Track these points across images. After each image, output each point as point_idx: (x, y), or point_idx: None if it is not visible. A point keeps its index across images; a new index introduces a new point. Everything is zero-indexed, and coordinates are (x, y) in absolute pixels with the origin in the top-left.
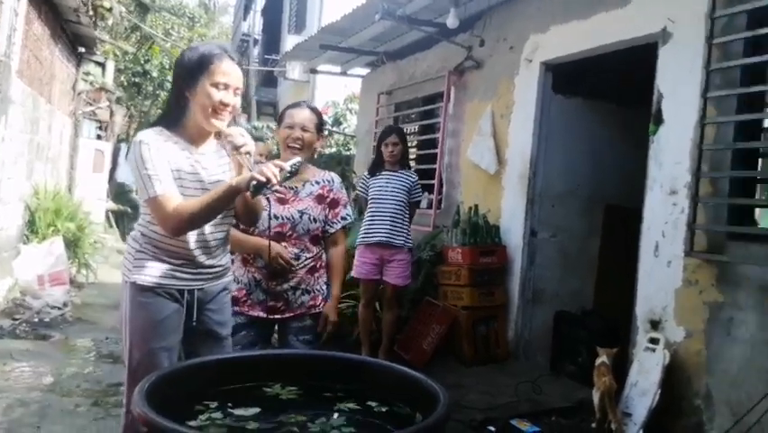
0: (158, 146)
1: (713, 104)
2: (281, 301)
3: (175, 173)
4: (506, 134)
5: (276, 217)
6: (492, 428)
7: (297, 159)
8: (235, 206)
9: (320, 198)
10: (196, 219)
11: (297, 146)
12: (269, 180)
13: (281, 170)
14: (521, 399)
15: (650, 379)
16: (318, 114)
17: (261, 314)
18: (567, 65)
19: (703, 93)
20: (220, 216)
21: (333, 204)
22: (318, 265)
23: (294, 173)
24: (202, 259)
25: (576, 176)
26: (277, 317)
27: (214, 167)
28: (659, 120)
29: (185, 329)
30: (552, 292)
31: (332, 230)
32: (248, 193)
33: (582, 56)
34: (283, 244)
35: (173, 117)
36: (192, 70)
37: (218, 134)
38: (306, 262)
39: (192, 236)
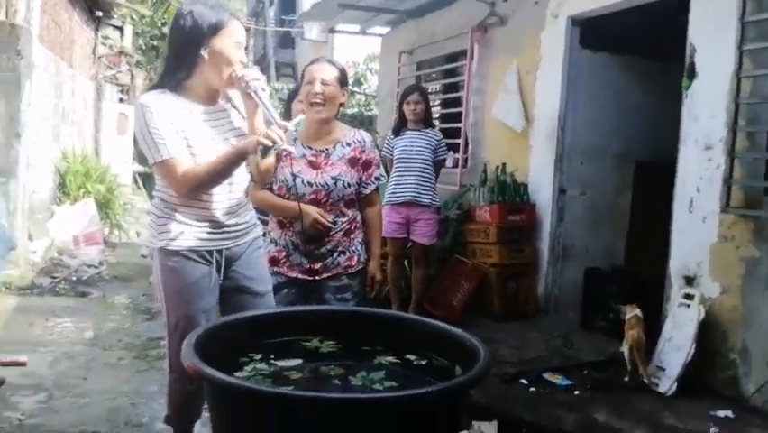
0: (159, 107)
1: (749, 56)
2: (319, 263)
3: (181, 134)
4: (532, 91)
5: (309, 184)
6: (525, 382)
7: (301, 117)
8: (249, 167)
9: (353, 161)
10: (205, 183)
11: (319, 101)
12: (275, 142)
13: (286, 130)
14: (552, 353)
15: (684, 333)
16: (340, 68)
17: (300, 275)
18: (595, 19)
19: (739, 45)
20: (235, 175)
21: (366, 165)
22: (353, 227)
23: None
24: (224, 219)
25: (605, 132)
26: (314, 278)
27: (221, 125)
28: (692, 74)
29: (220, 290)
30: (581, 249)
31: (366, 191)
32: (257, 155)
33: (610, 9)
34: (320, 209)
35: (178, 78)
36: (208, 32)
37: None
38: (341, 226)
39: (211, 197)
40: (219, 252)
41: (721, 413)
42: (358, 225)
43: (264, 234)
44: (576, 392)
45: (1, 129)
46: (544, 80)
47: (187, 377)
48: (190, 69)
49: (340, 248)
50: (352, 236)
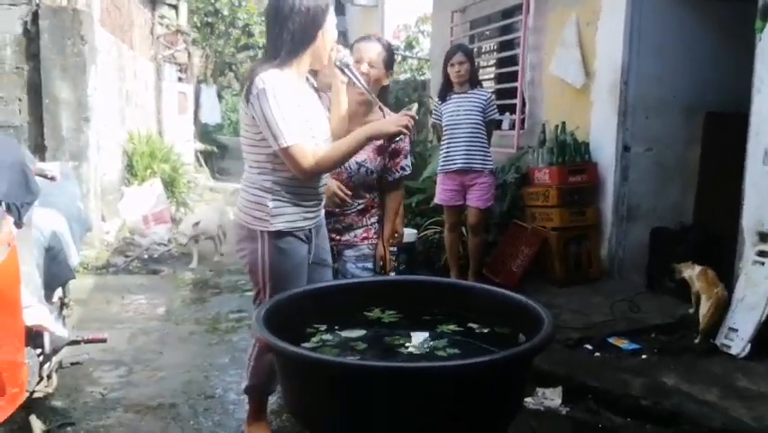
0: (284, 91)
1: None
2: (334, 233)
3: (303, 115)
4: (593, 44)
5: None
6: (589, 347)
7: (415, 105)
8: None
9: (381, 149)
10: (334, 166)
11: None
12: (409, 130)
13: (415, 120)
14: (617, 317)
15: (759, 293)
16: (389, 49)
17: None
18: None
19: None
20: None
21: (395, 154)
22: (369, 206)
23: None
24: (322, 191)
25: (672, 83)
26: (332, 245)
27: (319, 102)
28: (766, 15)
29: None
30: (648, 208)
31: (389, 179)
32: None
33: None
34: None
35: (293, 57)
36: (323, 12)
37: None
38: (356, 208)
39: (320, 177)
40: (310, 229)
41: None
42: (374, 204)
43: None
44: (643, 356)
45: (70, 114)
46: (605, 31)
47: None
48: (305, 49)
49: (354, 226)
50: (368, 215)
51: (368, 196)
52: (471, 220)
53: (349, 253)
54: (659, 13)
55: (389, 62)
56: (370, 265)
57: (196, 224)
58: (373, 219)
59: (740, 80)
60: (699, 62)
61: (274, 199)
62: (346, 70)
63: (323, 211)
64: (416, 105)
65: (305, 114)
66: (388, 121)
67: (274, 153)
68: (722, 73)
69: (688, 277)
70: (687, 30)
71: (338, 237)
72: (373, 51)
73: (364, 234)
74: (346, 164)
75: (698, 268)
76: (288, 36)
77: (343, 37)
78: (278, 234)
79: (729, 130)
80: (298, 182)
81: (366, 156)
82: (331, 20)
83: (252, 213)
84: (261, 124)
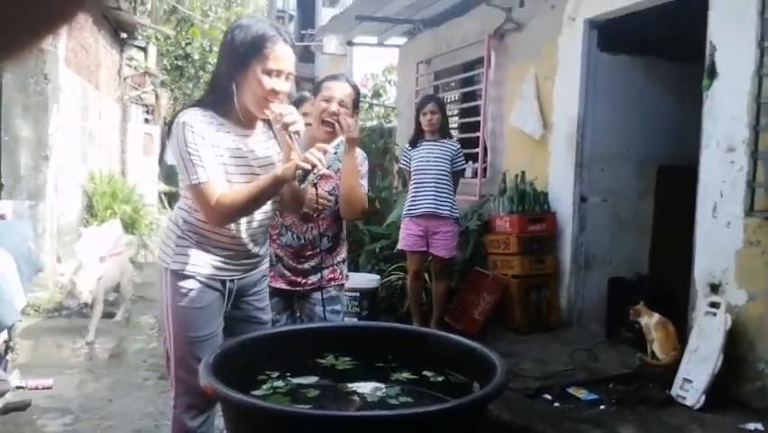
0: (202, 128)
1: None
2: (300, 276)
3: (219, 157)
4: (550, 97)
5: None
6: (549, 396)
7: (340, 139)
8: (281, 194)
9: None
10: (240, 211)
11: (333, 121)
12: (314, 166)
13: (325, 152)
14: (577, 366)
15: (711, 344)
16: (357, 90)
17: (285, 286)
18: (612, 21)
19: (759, 43)
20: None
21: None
22: (336, 244)
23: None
24: (246, 248)
25: (626, 137)
26: (298, 289)
27: (261, 149)
28: (713, 73)
29: (226, 316)
30: (604, 258)
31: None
32: (295, 181)
33: (628, 11)
34: (309, 224)
35: (218, 98)
36: (244, 54)
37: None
38: (326, 245)
39: (241, 226)
40: (232, 280)
41: (751, 426)
42: (341, 242)
43: None
44: (601, 407)
45: (29, 152)
46: (563, 85)
47: (190, 408)
48: (230, 91)
49: (323, 264)
50: (334, 253)
51: (335, 229)
52: (436, 268)
53: (316, 295)
54: (613, 70)
55: (357, 102)
56: (338, 308)
57: (100, 278)
58: (340, 257)
59: (689, 135)
60: (651, 117)
61: (180, 237)
62: (284, 133)
63: (262, 270)
64: (339, 139)
65: (223, 157)
66: (294, 160)
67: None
68: (673, 128)
69: (644, 324)
70: (639, 86)
71: (303, 281)
72: (343, 91)
73: (331, 276)
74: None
75: (656, 317)
76: (216, 73)
77: (312, 83)
78: (179, 275)
79: (680, 183)
80: (209, 226)
81: (334, 184)
82: (265, 62)
83: (162, 247)
84: (177, 160)
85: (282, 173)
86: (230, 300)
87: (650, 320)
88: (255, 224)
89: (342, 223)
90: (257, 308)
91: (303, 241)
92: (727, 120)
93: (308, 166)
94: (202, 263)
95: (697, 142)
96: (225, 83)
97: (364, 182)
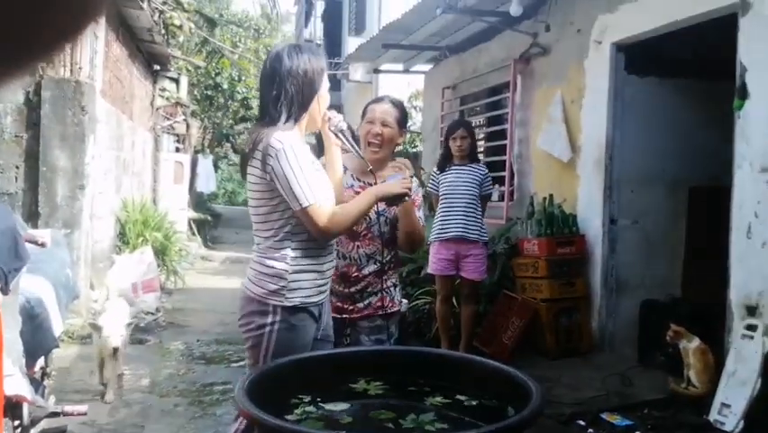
0: (301, 150)
1: None
2: (348, 302)
3: (317, 172)
4: (578, 120)
5: None
6: (582, 423)
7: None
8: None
9: (389, 202)
10: (346, 228)
11: (377, 142)
12: (410, 190)
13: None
14: (609, 392)
15: (749, 367)
16: (401, 108)
17: (332, 313)
18: (639, 44)
19: None
20: None
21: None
22: (387, 268)
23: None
24: (333, 266)
25: (656, 158)
26: (345, 316)
27: (318, 165)
28: (744, 94)
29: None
30: (636, 281)
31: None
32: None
33: (656, 33)
34: (356, 243)
35: (290, 118)
36: (319, 76)
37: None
38: (373, 268)
39: (333, 244)
40: (322, 304)
41: None
42: (392, 266)
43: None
44: None
45: (66, 182)
46: (590, 108)
47: None
48: (303, 112)
49: (370, 289)
50: (385, 277)
51: (385, 253)
52: (465, 292)
53: (363, 324)
54: (641, 92)
55: (403, 121)
56: (383, 337)
57: (129, 324)
58: (390, 282)
59: (721, 155)
60: (681, 138)
61: (294, 271)
62: (340, 135)
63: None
64: (407, 172)
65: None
66: (393, 183)
67: (292, 215)
68: (704, 148)
69: (683, 347)
70: (668, 107)
71: (351, 307)
72: (386, 111)
73: (379, 303)
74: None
75: (696, 341)
76: (287, 99)
77: (339, 111)
78: (293, 310)
79: (713, 204)
80: (317, 244)
81: (383, 206)
82: (325, 84)
83: (267, 285)
84: (282, 184)
85: (383, 192)
86: (320, 323)
87: (689, 344)
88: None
89: (395, 247)
90: (329, 323)
91: (348, 260)
92: (760, 140)
93: (408, 191)
94: (313, 293)
95: (729, 162)
96: (303, 104)
97: (420, 213)
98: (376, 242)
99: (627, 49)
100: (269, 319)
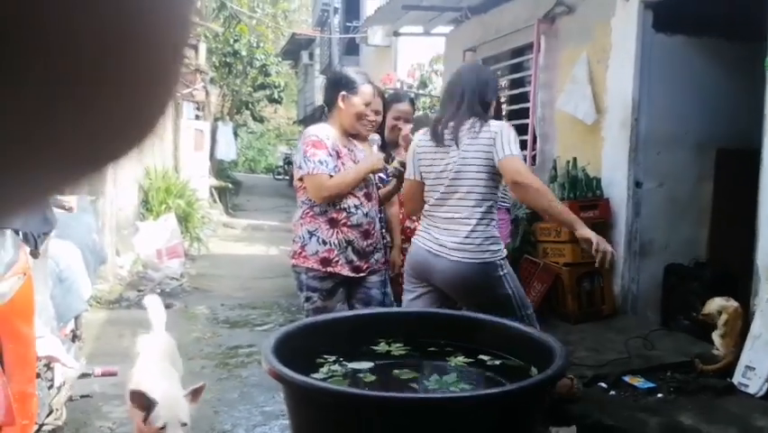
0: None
1: None
2: (364, 260)
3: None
4: (603, 81)
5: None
6: (604, 385)
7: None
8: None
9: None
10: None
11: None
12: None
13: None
14: (632, 355)
15: None
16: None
17: (351, 273)
18: (667, 1)
19: None
20: None
21: None
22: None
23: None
24: None
25: (683, 119)
26: (361, 275)
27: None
28: None
29: None
30: (660, 244)
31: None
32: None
33: None
34: (371, 202)
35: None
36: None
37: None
38: (380, 225)
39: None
40: None
41: None
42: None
43: (311, 235)
44: (659, 395)
45: None
46: (616, 69)
47: None
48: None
49: (378, 245)
50: (383, 232)
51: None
52: None
53: (373, 278)
54: (669, 51)
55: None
56: (389, 290)
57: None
58: (387, 239)
59: (751, 117)
60: (709, 99)
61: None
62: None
63: None
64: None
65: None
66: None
67: (497, 189)
68: (732, 110)
69: (718, 308)
70: (697, 67)
71: (365, 265)
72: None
73: (383, 259)
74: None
75: (733, 302)
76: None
77: None
78: (505, 259)
79: (741, 166)
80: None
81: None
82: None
83: (489, 248)
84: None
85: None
86: None
87: (727, 303)
88: None
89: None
90: None
91: (369, 218)
92: None
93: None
94: None
95: (759, 122)
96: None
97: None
98: (377, 202)
99: (655, 6)
100: (501, 273)
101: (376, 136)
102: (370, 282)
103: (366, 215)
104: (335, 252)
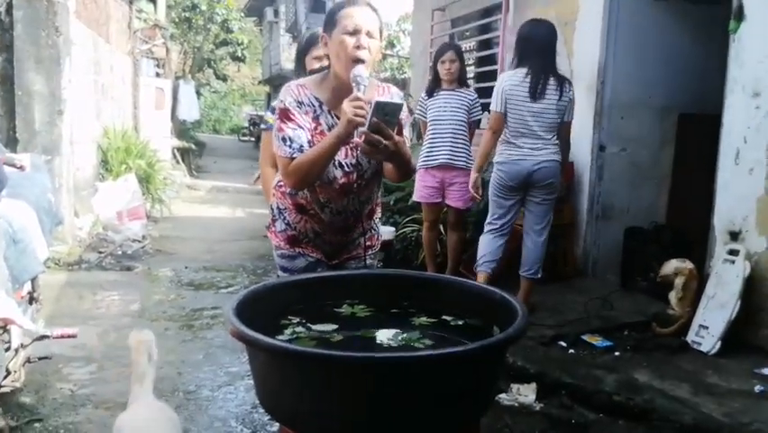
0: None
1: None
2: (339, 250)
3: None
4: (570, 43)
5: (340, 166)
6: (563, 344)
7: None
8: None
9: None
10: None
11: (365, 58)
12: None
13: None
14: (591, 315)
15: (729, 291)
16: (378, 14)
17: (322, 258)
18: None
19: None
20: None
21: (399, 130)
22: (374, 206)
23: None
24: None
25: (647, 84)
26: (335, 262)
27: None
28: (740, 16)
29: None
30: (622, 208)
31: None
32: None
33: None
34: (350, 196)
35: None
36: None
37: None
38: (366, 210)
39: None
40: None
41: (766, 371)
42: (378, 203)
43: (280, 213)
44: (616, 353)
45: (44, 107)
46: (583, 31)
47: None
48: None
49: (360, 230)
50: (375, 216)
51: (376, 192)
52: (451, 219)
53: (354, 265)
54: (635, 13)
55: (382, 30)
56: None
57: None
58: (376, 217)
59: (712, 82)
60: (673, 63)
61: None
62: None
63: None
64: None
65: None
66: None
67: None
68: (695, 74)
69: (674, 269)
70: (662, 31)
71: (340, 254)
72: (371, 20)
73: (368, 243)
74: (353, 162)
75: (688, 263)
76: None
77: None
78: None
79: (701, 131)
80: None
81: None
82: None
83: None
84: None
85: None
86: None
87: (681, 265)
88: None
89: (380, 179)
90: None
91: (345, 215)
92: (755, 64)
93: (361, 120)
94: None
95: (720, 88)
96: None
97: (406, 132)
98: (371, 186)
99: None
100: None
101: (358, 69)
102: (349, 268)
103: (340, 212)
104: (303, 237)
